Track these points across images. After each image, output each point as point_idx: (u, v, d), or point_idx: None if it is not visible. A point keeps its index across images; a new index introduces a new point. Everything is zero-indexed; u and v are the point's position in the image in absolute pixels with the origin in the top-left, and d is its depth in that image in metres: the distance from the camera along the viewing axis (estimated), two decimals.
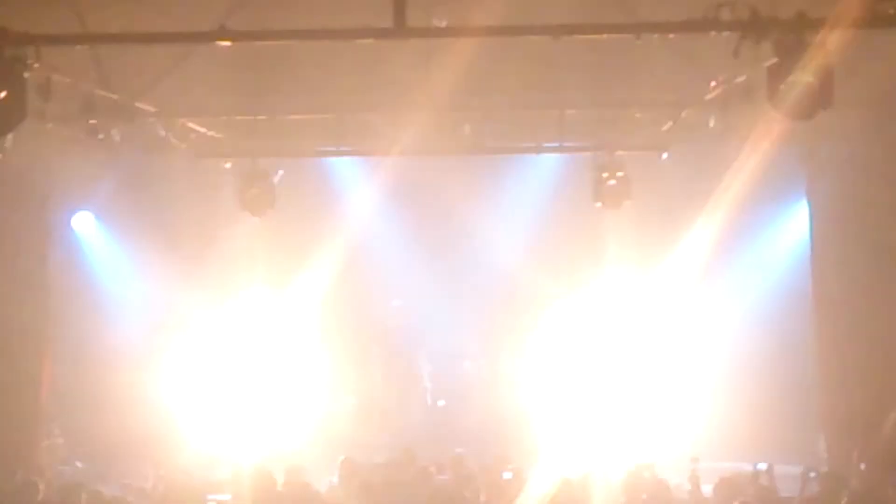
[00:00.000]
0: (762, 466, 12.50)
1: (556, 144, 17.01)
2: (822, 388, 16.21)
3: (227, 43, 11.59)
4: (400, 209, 20.07)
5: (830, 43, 10.90)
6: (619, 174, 16.51)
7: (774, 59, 11.28)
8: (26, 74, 10.42)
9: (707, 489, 12.66)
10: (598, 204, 16.94)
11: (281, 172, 17.72)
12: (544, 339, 19.60)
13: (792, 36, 11.07)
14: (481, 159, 19.43)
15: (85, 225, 18.56)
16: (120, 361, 18.43)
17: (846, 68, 11.46)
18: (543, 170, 19.27)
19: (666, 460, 14.91)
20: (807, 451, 15.90)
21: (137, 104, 15.11)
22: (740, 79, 13.88)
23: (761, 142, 15.76)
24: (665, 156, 18.09)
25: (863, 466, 12.89)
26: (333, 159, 18.96)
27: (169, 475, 12.58)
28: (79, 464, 16.68)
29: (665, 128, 16.49)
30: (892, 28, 11.29)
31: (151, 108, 15.42)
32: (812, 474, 13.11)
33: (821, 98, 11.37)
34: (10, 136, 11.64)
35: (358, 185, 19.82)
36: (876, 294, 15.79)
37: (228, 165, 18.41)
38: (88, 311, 18.53)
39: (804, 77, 11.07)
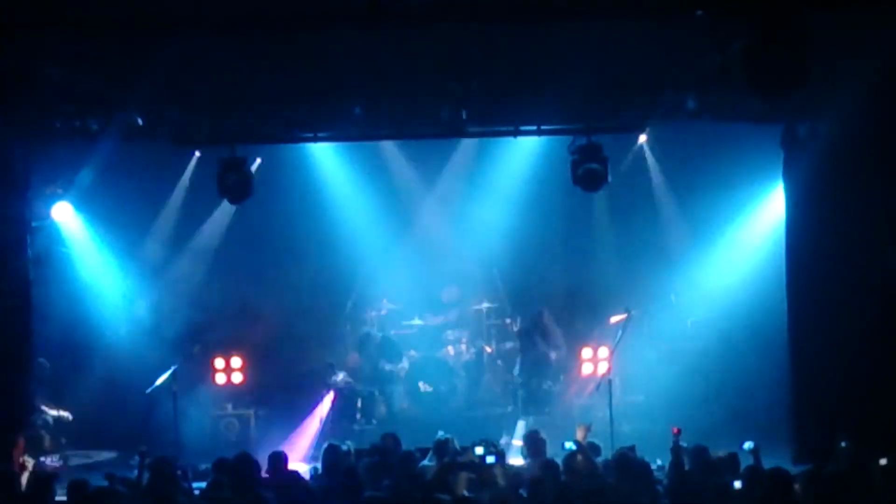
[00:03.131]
0: (749, 446, 12.41)
1: (534, 127, 17.00)
2: (796, 370, 16.22)
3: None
4: (379, 197, 20.02)
5: (806, 22, 10.96)
6: (598, 157, 16.43)
7: (750, 39, 11.34)
8: None
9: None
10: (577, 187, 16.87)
11: (259, 160, 17.72)
12: (526, 323, 19.63)
13: (767, 15, 11.12)
14: (460, 143, 19.43)
15: (64, 215, 18.46)
16: (101, 351, 18.42)
17: (822, 47, 11.51)
18: (523, 151, 19.23)
19: (647, 441, 14.97)
20: (784, 437, 15.94)
21: (114, 92, 15.07)
22: (717, 59, 13.91)
23: (739, 122, 15.84)
24: (643, 137, 18.14)
25: (843, 444, 12.84)
26: (311, 146, 18.85)
27: (153, 464, 12.53)
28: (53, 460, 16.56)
29: (642, 109, 16.49)
30: (866, 6, 11.36)
31: (128, 97, 15.37)
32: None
33: (797, 77, 11.44)
34: None
35: (335, 172, 19.79)
36: (850, 273, 15.83)
37: (198, 154, 18.43)
38: (69, 301, 18.47)
39: (780, 56, 11.13)
